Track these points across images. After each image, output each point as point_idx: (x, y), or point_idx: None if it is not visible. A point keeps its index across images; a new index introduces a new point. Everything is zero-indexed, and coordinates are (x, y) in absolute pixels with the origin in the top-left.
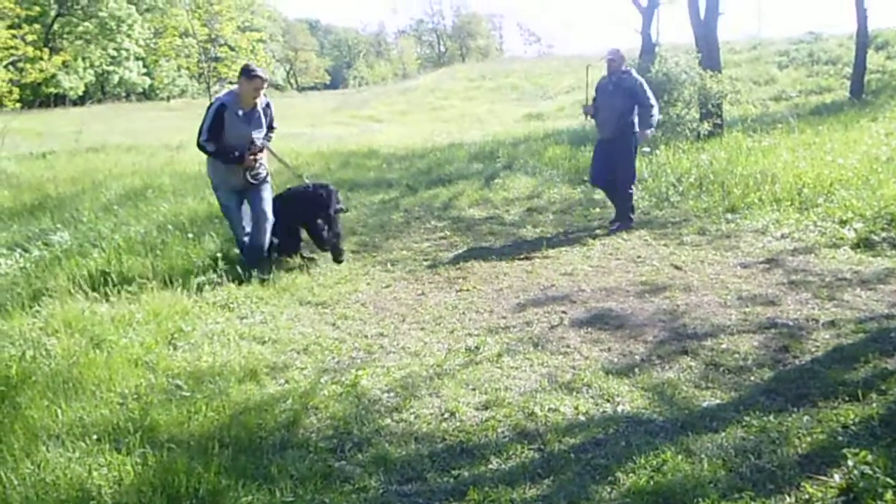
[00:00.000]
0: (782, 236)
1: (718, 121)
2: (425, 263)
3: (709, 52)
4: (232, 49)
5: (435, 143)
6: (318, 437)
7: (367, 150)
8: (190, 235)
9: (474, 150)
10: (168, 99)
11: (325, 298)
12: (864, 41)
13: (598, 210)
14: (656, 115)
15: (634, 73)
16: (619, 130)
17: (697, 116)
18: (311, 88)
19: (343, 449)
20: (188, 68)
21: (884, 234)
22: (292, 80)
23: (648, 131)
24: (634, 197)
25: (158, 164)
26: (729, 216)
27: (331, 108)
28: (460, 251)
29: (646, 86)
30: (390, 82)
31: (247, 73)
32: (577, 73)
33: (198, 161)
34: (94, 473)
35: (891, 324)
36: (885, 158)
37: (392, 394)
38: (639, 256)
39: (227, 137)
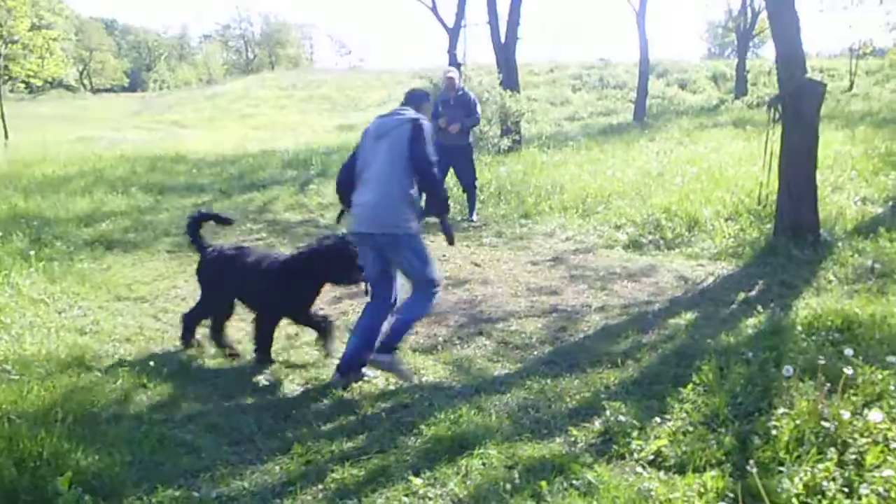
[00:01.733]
0: (567, 238)
1: (517, 137)
2: None
3: (508, 74)
4: (25, 47)
5: (246, 149)
6: (151, 411)
7: (174, 155)
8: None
9: (287, 157)
10: None
11: (143, 294)
12: (645, 69)
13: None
14: (476, 120)
15: (469, 91)
16: (465, 138)
17: (499, 132)
18: (108, 90)
19: (174, 420)
20: None
21: (650, 237)
22: (86, 81)
23: (457, 125)
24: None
25: None
26: (523, 221)
27: (131, 112)
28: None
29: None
30: (195, 87)
31: None
32: (387, 87)
33: None
34: None
35: (649, 308)
36: (655, 173)
37: (218, 375)
38: (444, 255)
39: None
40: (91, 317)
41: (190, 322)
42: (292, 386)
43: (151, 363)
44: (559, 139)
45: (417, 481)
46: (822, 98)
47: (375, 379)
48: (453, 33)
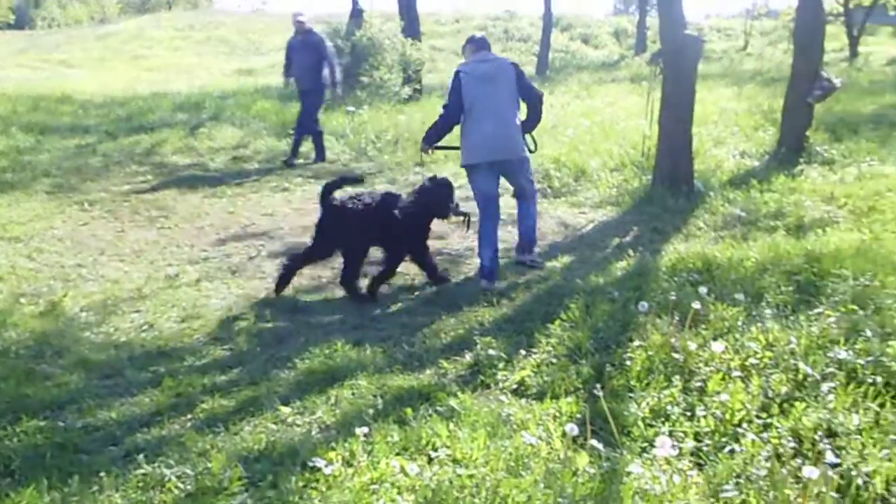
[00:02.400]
0: (460, 186)
1: (418, 86)
2: (125, 204)
3: (410, 22)
4: None
5: (137, 91)
6: (19, 347)
7: (59, 95)
8: None
9: (180, 100)
10: None
11: (18, 234)
12: (549, 22)
13: (301, 161)
14: (338, 72)
15: (317, 32)
16: (311, 82)
17: (399, 81)
18: None
19: (43, 355)
20: None
21: (538, 186)
22: None
23: (339, 89)
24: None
25: None
26: (417, 169)
27: (16, 51)
28: (162, 194)
29: (328, 43)
30: (86, 26)
31: None
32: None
33: None
34: None
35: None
36: (550, 126)
37: (92, 312)
38: None
39: None
40: None
41: (295, 268)
42: (168, 324)
43: (22, 301)
44: None
45: (286, 410)
46: (700, 53)
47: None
48: None
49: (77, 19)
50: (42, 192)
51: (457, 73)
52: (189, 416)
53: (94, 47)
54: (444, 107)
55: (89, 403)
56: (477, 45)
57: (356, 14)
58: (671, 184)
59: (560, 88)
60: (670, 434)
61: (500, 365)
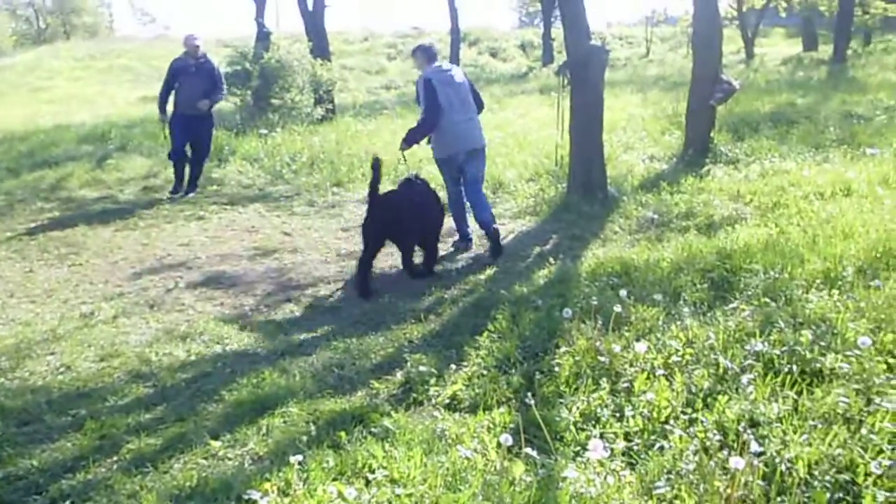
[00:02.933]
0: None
1: (330, 106)
2: (32, 243)
3: (318, 42)
4: None
5: (38, 125)
6: None
7: None
8: None
9: (84, 131)
10: None
11: None
12: (456, 38)
13: (215, 187)
14: (223, 95)
15: (211, 58)
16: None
17: (311, 102)
18: None
19: None
20: None
21: None
22: None
23: (207, 101)
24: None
25: None
26: (335, 189)
27: None
28: (71, 229)
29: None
30: None
31: None
32: None
33: None
34: None
35: (453, 266)
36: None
37: (4, 357)
38: (253, 227)
39: None
40: None
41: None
42: (86, 364)
43: None
44: (374, 108)
45: (216, 444)
46: (606, 63)
47: (177, 352)
48: (260, 1)
49: None
50: None
51: (427, 79)
52: (115, 458)
53: None
54: (425, 111)
55: (8, 452)
56: (430, 54)
57: (262, 36)
58: (586, 191)
59: None
60: (601, 436)
61: (432, 381)
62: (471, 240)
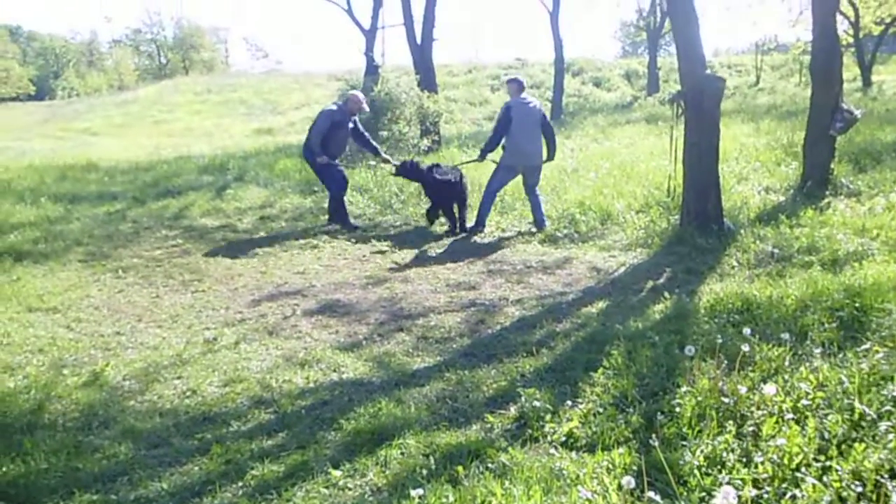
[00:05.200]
0: (485, 235)
1: (437, 137)
2: (158, 269)
3: (426, 74)
4: None
5: (161, 156)
6: (65, 420)
7: (85, 164)
8: None
9: (203, 162)
10: None
11: (55, 304)
12: (560, 67)
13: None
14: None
15: (330, 105)
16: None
17: (418, 133)
18: (14, 99)
19: (90, 427)
20: None
21: (565, 231)
22: None
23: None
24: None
25: None
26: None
27: (39, 121)
28: (194, 257)
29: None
30: (105, 94)
31: None
32: (305, 89)
33: None
34: None
35: (563, 298)
36: (570, 170)
37: (134, 380)
38: (364, 256)
39: None
40: (1, 329)
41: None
42: (211, 388)
43: (65, 372)
44: (479, 139)
45: (337, 473)
46: (722, 93)
47: (296, 379)
48: (369, 35)
49: (96, 88)
50: (75, 261)
51: (508, 107)
52: (240, 484)
53: (115, 114)
54: (493, 131)
55: (140, 475)
56: (519, 85)
57: (371, 70)
58: (700, 223)
59: (577, 132)
60: (728, 482)
61: (547, 417)
62: (484, 226)
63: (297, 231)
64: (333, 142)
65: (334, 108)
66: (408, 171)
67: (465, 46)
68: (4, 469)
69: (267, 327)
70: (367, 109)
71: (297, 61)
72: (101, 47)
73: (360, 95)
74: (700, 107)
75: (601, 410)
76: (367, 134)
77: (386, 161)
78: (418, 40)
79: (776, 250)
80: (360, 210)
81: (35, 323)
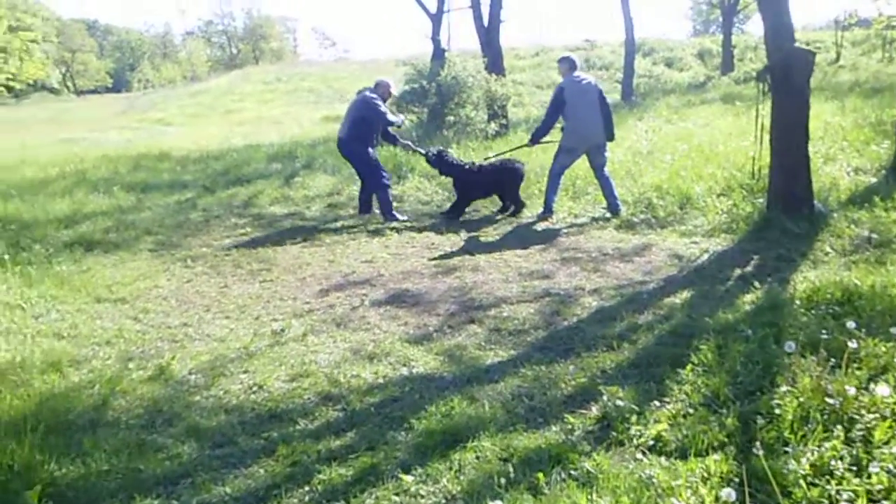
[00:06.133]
0: (557, 221)
1: (504, 121)
2: (227, 258)
3: (493, 58)
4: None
5: (231, 145)
6: (129, 416)
7: (158, 153)
8: None
9: (272, 151)
10: None
11: (123, 295)
12: (631, 48)
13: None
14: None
15: (368, 94)
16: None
17: (485, 117)
18: (92, 92)
19: (154, 424)
20: None
21: (641, 216)
22: (69, 83)
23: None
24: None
25: None
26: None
27: (116, 112)
28: (262, 246)
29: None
30: (179, 85)
31: None
32: (373, 76)
33: None
34: None
35: (643, 288)
36: (645, 152)
37: (200, 374)
38: (432, 244)
39: None
40: (69, 320)
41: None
42: (278, 384)
43: (131, 366)
44: None
45: (408, 479)
46: (812, 67)
47: (365, 374)
48: (436, 19)
49: (170, 79)
50: (145, 251)
51: (561, 87)
52: (307, 489)
53: (188, 104)
54: (547, 113)
55: (203, 477)
56: (572, 64)
57: (438, 55)
58: (788, 206)
59: (649, 114)
60: (838, 494)
61: (632, 418)
62: (552, 212)
63: (365, 219)
64: (372, 132)
65: (375, 95)
66: (436, 161)
67: (532, 29)
68: (64, 470)
69: (335, 318)
70: (396, 94)
71: (364, 49)
72: (174, 39)
73: (391, 81)
74: (788, 82)
75: (691, 411)
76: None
77: (408, 147)
78: (485, 22)
79: (873, 235)
80: (428, 197)
81: (103, 314)
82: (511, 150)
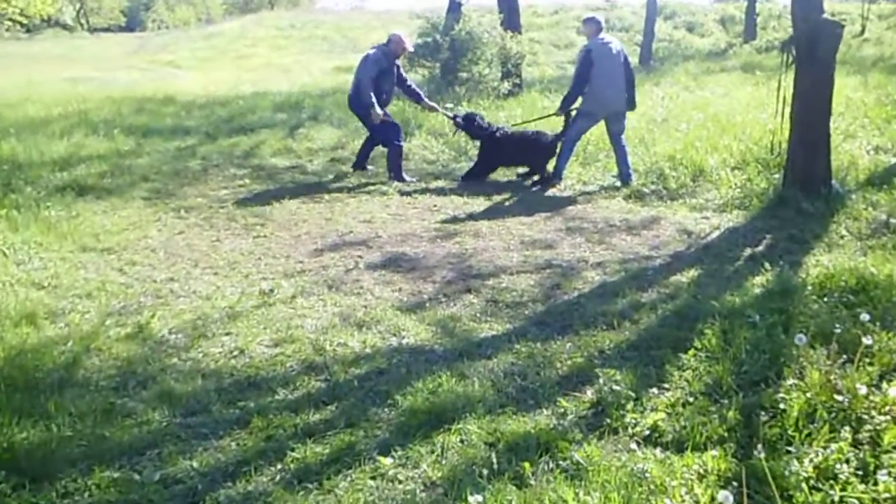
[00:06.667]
0: (565, 188)
1: (518, 80)
2: (222, 210)
3: (510, 14)
4: None
5: (239, 91)
6: (100, 377)
7: (163, 97)
8: None
9: (279, 99)
10: None
11: (111, 245)
12: (652, 11)
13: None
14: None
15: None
16: None
17: (499, 75)
18: (105, 30)
19: (126, 387)
20: None
21: (653, 187)
22: (83, 21)
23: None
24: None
25: None
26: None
27: (127, 52)
28: (259, 199)
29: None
30: (193, 27)
31: None
32: (386, 27)
33: None
34: None
35: (649, 263)
36: (660, 119)
37: (181, 334)
38: (435, 205)
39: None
40: (51, 269)
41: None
42: (261, 348)
43: (109, 322)
44: (562, 83)
45: (387, 461)
46: (839, 40)
47: (352, 342)
48: None
49: (184, 21)
50: (139, 199)
51: (588, 49)
52: (279, 467)
53: (200, 48)
54: (574, 80)
55: (170, 448)
56: (598, 25)
57: (454, 8)
58: (806, 185)
59: (666, 80)
60: (841, 500)
61: (628, 405)
62: (561, 178)
63: (367, 175)
64: (381, 91)
65: (379, 53)
66: (465, 125)
67: None
68: (24, 435)
69: (327, 280)
70: (412, 50)
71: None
72: None
73: (404, 35)
74: (814, 54)
75: (691, 400)
76: (410, 80)
77: (433, 109)
78: None
79: (892, 219)
80: (435, 156)
81: (87, 264)
82: (538, 119)
